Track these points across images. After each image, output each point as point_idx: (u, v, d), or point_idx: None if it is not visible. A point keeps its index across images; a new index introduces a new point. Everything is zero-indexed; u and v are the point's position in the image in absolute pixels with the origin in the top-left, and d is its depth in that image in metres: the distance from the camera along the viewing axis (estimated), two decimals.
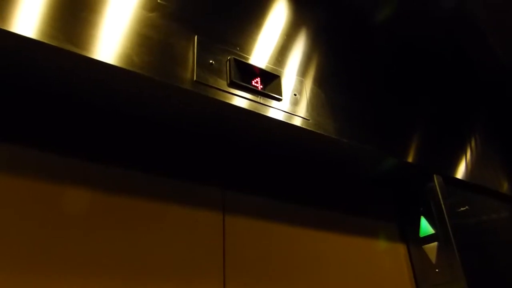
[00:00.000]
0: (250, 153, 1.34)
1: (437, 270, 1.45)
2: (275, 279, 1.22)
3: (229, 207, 1.22)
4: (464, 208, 1.60)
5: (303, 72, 1.33)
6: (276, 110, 1.17)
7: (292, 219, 1.34)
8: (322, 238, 1.39)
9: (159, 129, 1.18)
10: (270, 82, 1.21)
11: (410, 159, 1.51)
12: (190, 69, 1.05)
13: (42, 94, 1.02)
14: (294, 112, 1.21)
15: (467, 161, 1.80)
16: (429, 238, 1.51)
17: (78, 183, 1.01)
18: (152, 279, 1.02)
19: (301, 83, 1.29)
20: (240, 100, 1.11)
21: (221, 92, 1.08)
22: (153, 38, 1.02)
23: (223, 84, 1.09)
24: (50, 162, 0.99)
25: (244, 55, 1.18)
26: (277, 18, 1.36)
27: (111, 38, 0.95)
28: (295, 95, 1.25)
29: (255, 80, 1.17)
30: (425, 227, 1.53)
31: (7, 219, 0.89)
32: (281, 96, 1.20)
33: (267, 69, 1.21)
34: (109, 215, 1.03)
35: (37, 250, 0.90)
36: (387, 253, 1.54)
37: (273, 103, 1.18)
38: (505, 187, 1.94)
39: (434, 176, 1.56)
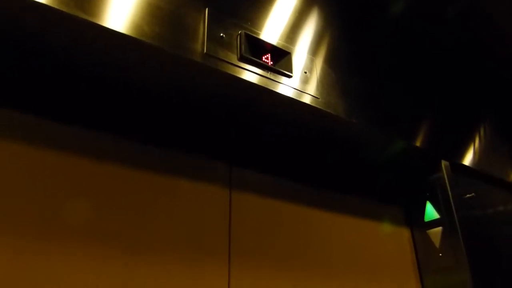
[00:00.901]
0: (258, 131, 1.33)
1: (440, 254, 1.45)
2: (279, 256, 1.22)
3: (236, 183, 1.22)
4: (471, 195, 1.59)
5: (314, 51, 1.31)
6: (285, 87, 1.16)
7: (298, 199, 1.34)
8: (328, 219, 1.39)
9: (167, 103, 1.18)
10: (281, 58, 1.19)
11: (418, 144, 1.49)
12: (201, 41, 1.04)
13: (49, 62, 1.01)
14: (304, 90, 1.20)
15: (475, 148, 1.79)
16: (434, 223, 1.51)
17: (86, 154, 1.01)
18: (156, 252, 1.02)
19: (311, 61, 1.27)
20: (250, 75, 1.09)
21: (231, 66, 1.06)
22: (164, 9, 1.00)
23: (233, 58, 1.08)
24: (60, 132, 0.99)
25: (255, 30, 1.16)
26: None
27: (122, 7, 0.93)
28: (305, 72, 1.23)
29: (265, 56, 1.16)
30: (430, 212, 1.52)
31: (16, 187, 0.89)
32: (291, 73, 1.18)
33: (278, 46, 1.19)
34: (116, 188, 1.03)
35: (43, 220, 0.90)
36: (391, 236, 1.54)
37: (283, 79, 1.16)
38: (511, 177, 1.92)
39: (442, 161, 1.55)
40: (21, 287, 0.83)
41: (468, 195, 1.58)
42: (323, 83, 1.27)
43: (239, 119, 1.28)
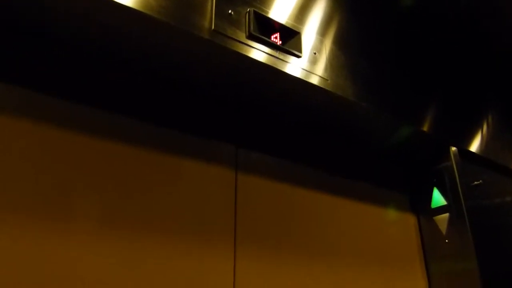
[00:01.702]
0: (265, 112, 1.30)
1: (446, 240, 1.44)
2: (285, 240, 1.21)
3: (242, 164, 1.20)
4: (478, 182, 1.56)
5: (323, 32, 1.27)
6: (294, 67, 1.13)
7: (304, 182, 1.32)
8: (333, 203, 1.38)
9: (172, 82, 1.15)
10: (290, 38, 1.16)
11: (426, 129, 1.47)
12: (208, 18, 1.00)
13: (50, 38, 0.98)
14: (313, 71, 1.17)
15: (483, 136, 1.76)
16: (440, 210, 1.49)
17: (90, 134, 0.99)
18: (161, 233, 1.01)
19: (321, 43, 1.24)
20: (259, 53, 1.06)
21: (239, 44, 1.03)
22: None
23: (241, 36, 1.05)
24: (66, 111, 0.97)
25: (264, 8, 1.13)
26: None
27: None
28: (314, 53, 1.20)
29: (274, 35, 1.13)
30: (437, 198, 1.51)
31: (20, 165, 0.87)
32: (301, 53, 1.15)
33: (287, 25, 1.16)
34: (121, 168, 1.01)
35: (48, 201, 0.88)
36: (397, 223, 1.53)
37: (292, 59, 1.13)
38: None
39: (450, 147, 1.52)
40: (24, 268, 0.82)
41: (475, 182, 1.56)
42: (333, 65, 1.24)
43: (246, 99, 1.25)
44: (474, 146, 1.68)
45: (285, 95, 1.23)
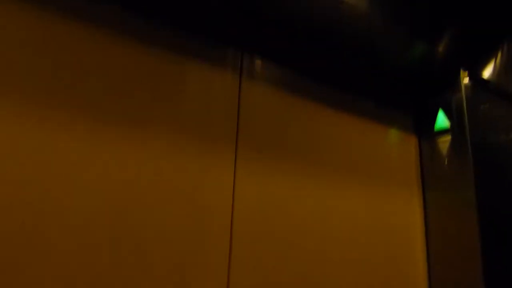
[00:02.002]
0: (273, 19, 1.24)
1: (446, 162, 1.44)
2: (285, 150, 1.22)
3: (247, 71, 1.17)
4: (485, 106, 1.52)
5: None
6: None
7: (308, 95, 1.31)
8: (336, 118, 1.37)
9: None
10: None
11: (440, 49, 1.41)
12: None
13: None
14: None
15: (496, 64, 1.70)
16: (443, 132, 1.48)
17: (99, 29, 0.96)
18: (164, 134, 1.01)
19: None
20: None
21: None
22: None
23: None
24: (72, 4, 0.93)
25: None
26: None
27: None
28: None
29: None
30: (441, 120, 1.49)
31: (25, 53, 0.86)
32: None
33: None
34: (128, 67, 0.99)
35: (50, 90, 0.88)
36: (398, 142, 1.54)
37: None
38: None
39: (461, 70, 1.48)
40: (23, 153, 0.83)
41: (482, 107, 1.52)
42: None
43: (254, 4, 1.19)
44: (486, 73, 1.63)
45: (297, 2, 1.16)
